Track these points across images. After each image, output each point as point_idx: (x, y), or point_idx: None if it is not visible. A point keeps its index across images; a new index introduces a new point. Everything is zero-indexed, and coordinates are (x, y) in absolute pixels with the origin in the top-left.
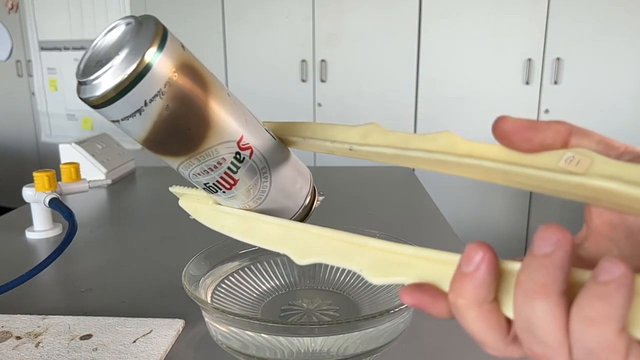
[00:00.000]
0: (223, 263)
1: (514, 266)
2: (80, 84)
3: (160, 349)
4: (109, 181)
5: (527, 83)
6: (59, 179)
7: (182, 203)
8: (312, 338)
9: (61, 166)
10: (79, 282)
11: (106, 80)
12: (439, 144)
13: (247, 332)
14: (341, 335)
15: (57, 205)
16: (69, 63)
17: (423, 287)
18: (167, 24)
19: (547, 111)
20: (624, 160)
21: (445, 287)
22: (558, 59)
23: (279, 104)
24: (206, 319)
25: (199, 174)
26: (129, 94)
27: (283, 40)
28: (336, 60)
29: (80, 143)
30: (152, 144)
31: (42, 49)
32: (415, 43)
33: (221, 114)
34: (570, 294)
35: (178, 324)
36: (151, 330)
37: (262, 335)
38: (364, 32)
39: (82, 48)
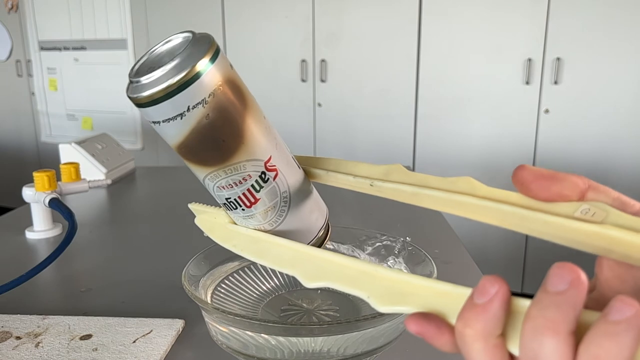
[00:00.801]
0: (223, 263)
1: (524, 303)
2: (131, 82)
3: (160, 349)
4: (109, 181)
5: (527, 83)
6: (58, 179)
7: (197, 221)
8: (312, 338)
9: (61, 166)
10: (79, 282)
11: (157, 81)
12: (459, 187)
13: (247, 332)
14: (341, 335)
15: (57, 205)
16: (68, 63)
17: (429, 317)
18: (168, 24)
19: (547, 111)
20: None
21: (452, 319)
22: (558, 59)
23: (279, 104)
24: (206, 319)
25: (223, 187)
26: (176, 97)
27: (283, 40)
28: (336, 60)
29: (80, 143)
30: (185, 150)
31: (42, 49)
32: (415, 43)
33: (255, 132)
34: (578, 334)
35: (178, 324)
36: (151, 330)
37: (262, 335)
38: (364, 32)
39: (82, 48)
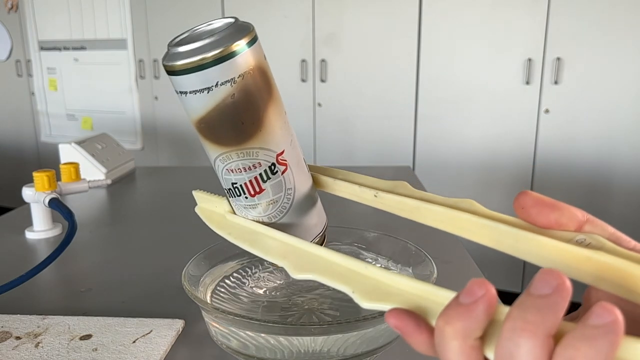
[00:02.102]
0: (223, 263)
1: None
2: (168, 51)
3: (160, 349)
4: (109, 181)
5: (527, 83)
6: (58, 179)
7: (197, 209)
8: (312, 338)
9: (61, 166)
10: (79, 282)
11: (193, 52)
12: (460, 206)
13: (247, 332)
14: (341, 335)
15: (57, 205)
16: (68, 63)
17: (410, 313)
18: (167, 24)
19: (547, 111)
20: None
21: (432, 320)
22: (558, 58)
23: None
24: (206, 319)
25: (232, 171)
26: (207, 70)
27: (283, 40)
28: (336, 60)
29: (80, 143)
30: (204, 126)
31: (42, 49)
32: (415, 43)
33: (274, 123)
34: (556, 341)
35: (178, 324)
36: (151, 331)
37: (262, 335)
38: (364, 32)
39: (82, 48)
